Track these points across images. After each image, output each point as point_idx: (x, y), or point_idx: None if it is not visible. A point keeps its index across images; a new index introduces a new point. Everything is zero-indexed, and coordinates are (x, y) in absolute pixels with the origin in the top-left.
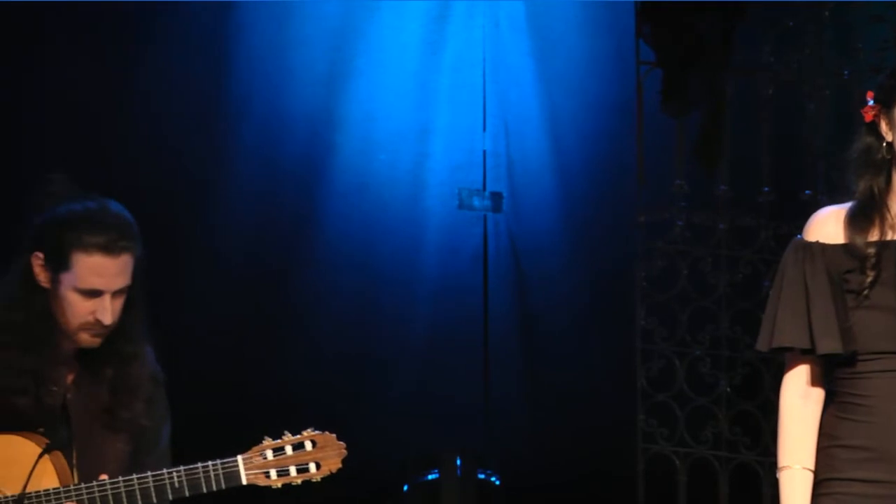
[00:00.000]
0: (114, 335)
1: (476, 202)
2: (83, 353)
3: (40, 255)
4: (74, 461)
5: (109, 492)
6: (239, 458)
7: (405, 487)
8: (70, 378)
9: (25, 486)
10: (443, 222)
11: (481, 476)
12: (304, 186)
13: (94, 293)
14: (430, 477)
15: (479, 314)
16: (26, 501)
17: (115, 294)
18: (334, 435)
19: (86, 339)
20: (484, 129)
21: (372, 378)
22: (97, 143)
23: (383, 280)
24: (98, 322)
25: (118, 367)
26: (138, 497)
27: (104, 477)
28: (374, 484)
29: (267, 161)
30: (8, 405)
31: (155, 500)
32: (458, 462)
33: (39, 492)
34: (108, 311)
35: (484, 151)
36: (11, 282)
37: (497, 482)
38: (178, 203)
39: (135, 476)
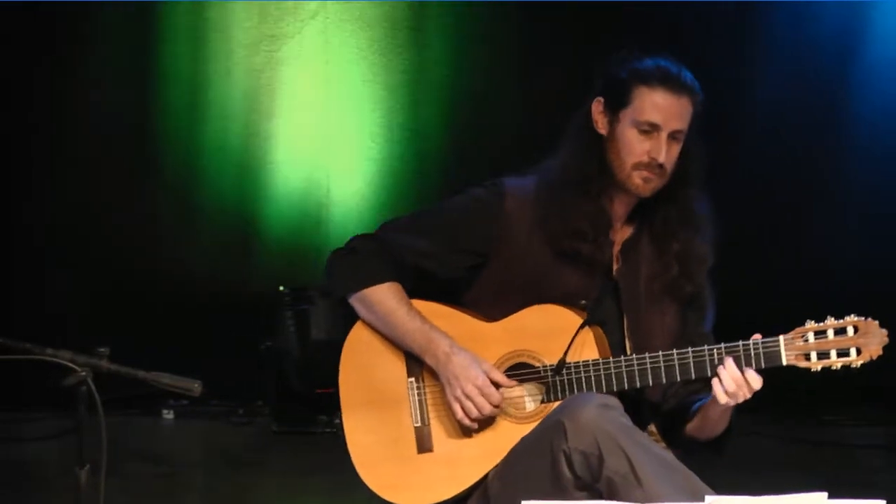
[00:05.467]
0: (675, 203)
1: None
2: (636, 213)
3: (601, 99)
4: (626, 331)
5: (648, 365)
6: (781, 338)
7: None
8: (616, 248)
9: (564, 356)
10: None
11: None
12: (837, 65)
13: (651, 127)
14: None
15: None
16: (564, 371)
17: (671, 136)
18: (877, 322)
19: (637, 182)
20: None
21: None
22: None
23: None
24: (652, 161)
25: (683, 241)
26: (676, 372)
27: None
28: None
29: (799, 40)
30: (574, 248)
31: (693, 376)
32: None
33: (578, 363)
34: (662, 149)
35: None
36: (571, 132)
37: None
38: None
39: (674, 351)
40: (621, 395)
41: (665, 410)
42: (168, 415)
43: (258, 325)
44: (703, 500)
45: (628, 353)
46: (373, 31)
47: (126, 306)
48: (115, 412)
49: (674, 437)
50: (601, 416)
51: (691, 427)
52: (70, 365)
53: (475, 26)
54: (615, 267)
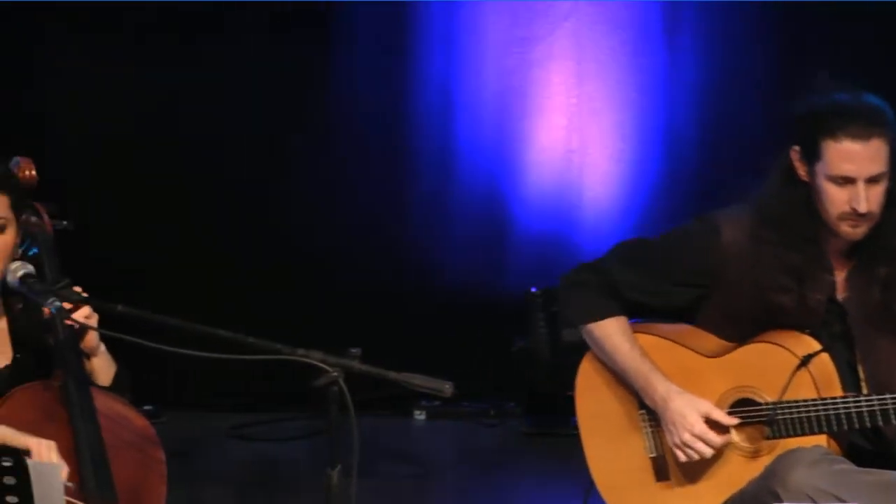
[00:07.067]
0: (881, 229)
1: None
2: (855, 252)
3: (797, 148)
4: (858, 362)
5: (864, 409)
6: None
7: None
8: (841, 277)
9: (782, 395)
10: None
11: None
12: None
13: (845, 180)
14: None
15: None
16: (787, 409)
17: (868, 181)
18: None
19: (846, 230)
20: None
21: None
22: None
23: None
24: (853, 211)
25: (889, 264)
26: (892, 416)
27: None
28: None
29: None
30: (770, 303)
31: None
32: None
33: (798, 401)
34: (861, 199)
35: None
36: (775, 176)
37: None
38: None
39: (887, 396)
40: None
41: None
42: (420, 415)
43: (509, 327)
44: None
45: (861, 378)
46: (625, 32)
47: (377, 306)
48: (366, 413)
49: None
50: (810, 476)
51: None
52: (321, 365)
53: (728, 28)
54: (841, 295)
